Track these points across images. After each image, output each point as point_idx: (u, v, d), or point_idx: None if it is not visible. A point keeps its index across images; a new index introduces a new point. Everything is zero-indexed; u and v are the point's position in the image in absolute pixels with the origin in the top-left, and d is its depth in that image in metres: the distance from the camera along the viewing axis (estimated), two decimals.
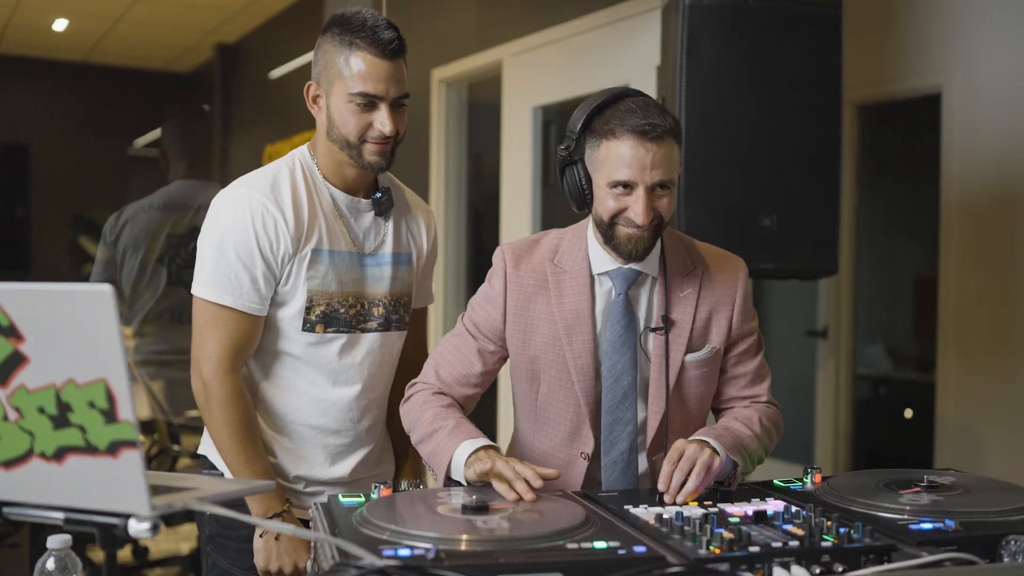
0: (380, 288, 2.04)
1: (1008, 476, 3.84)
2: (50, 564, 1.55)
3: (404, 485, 1.67)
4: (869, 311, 5.84)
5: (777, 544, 1.37)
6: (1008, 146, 4.07)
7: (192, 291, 1.93)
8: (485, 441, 1.74)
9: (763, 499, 1.67)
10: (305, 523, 1.94)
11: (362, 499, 1.60)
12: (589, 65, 3.79)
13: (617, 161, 1.73)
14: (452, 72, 4.66)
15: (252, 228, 1.89)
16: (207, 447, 2.02)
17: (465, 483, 1.72)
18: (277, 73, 6.46)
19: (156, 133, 7.36)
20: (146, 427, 4.31)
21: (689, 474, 1.65)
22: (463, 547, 1.32)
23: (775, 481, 1.82)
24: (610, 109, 1.77)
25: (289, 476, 2.00)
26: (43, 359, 1.16)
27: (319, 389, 1.98)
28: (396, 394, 2.14)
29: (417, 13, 5.03)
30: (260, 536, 1.91)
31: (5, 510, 1.24)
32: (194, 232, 3.26)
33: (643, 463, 1.88)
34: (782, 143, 2.65)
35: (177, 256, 3.41)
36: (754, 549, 1.35)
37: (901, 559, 1.37)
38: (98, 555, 2.72)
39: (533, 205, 4.15)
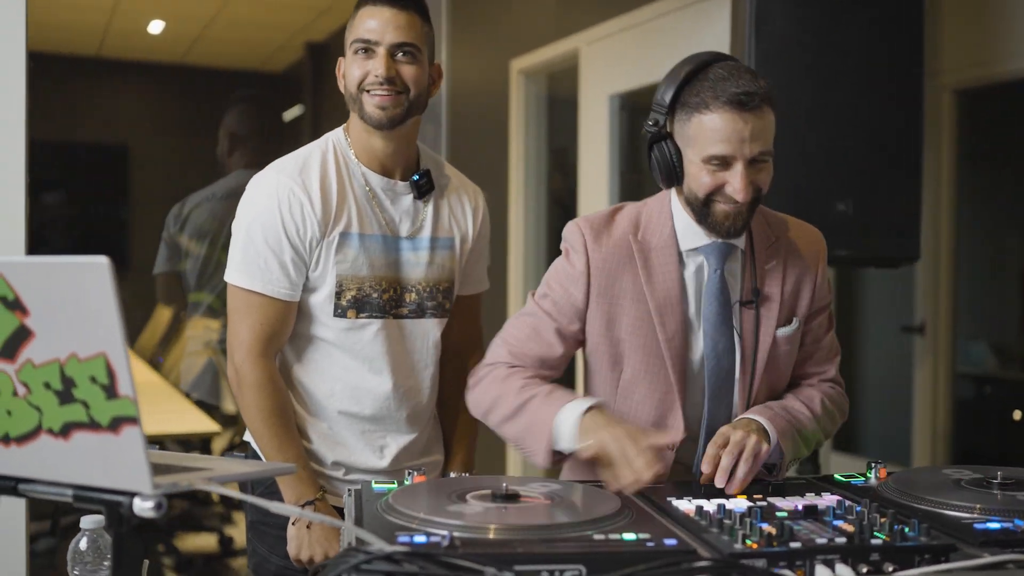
0: (416, 273, 1.99)
1: None
2: (83, 544, 1.55)
3: (452, 476, 1.62)
4: (973, 306, 5.58)
5: (822, 540, 1.27)
6: None
7: (224, 278, 1.92)
8: (592, 400, 1.66)
9: (819, 494, 1.56)
10: (341, 511, 1.91)
11: (395, 486, 1.56)
12: (664, 51, 3.68)
13: (712, 135, 1.62)
14: (530, 62, 4.60)
15: (279, 213, 1.87)
16: (249, 435, 2.00)
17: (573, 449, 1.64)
18: None
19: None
20: (228, 420, 4.38)
21: (738, 461, 1.56)
22: (482, 535, 1.26)
23: (836, 475, 1.71)
24: (699, 79, 1.65)
25: (326, 462, 1.97)
26: (47, 333, 1.14)
27: (353, 376, 1.95)
28: (446, 384, 2.09)
29: (495, 3, 4.99)
30: (292, 524, 1.89)
31: (20, 487, 1.23)
32: None
33: None
34: (858, 126, 2.53)
35: None
36: (795, 545, 1.26)
37: (960, 560, 1.26)
38: (191, 542, 2.74)
39: (611, 194, 4.06)
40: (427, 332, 2.02)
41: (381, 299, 1.94)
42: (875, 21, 2.52)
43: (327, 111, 7.92)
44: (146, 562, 1.60)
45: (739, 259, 1.78)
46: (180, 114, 8.15)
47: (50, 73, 7.88)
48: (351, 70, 1.89)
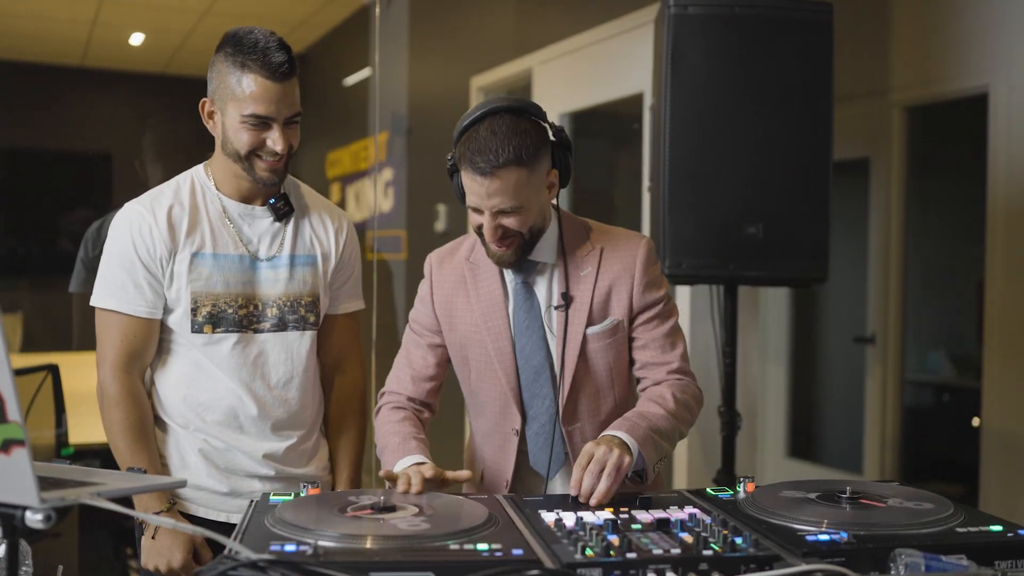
0: (275, 289, 2.12)
1: None
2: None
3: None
4: (930, 316, 5.71)
5: (658, 551, 1.41)
6: None
7: (90, 302, 2.07)
8: (419, 458, 1.89)
9: (682, 507, 1.70)
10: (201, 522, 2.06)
11: (291, 497, 1.69)
12: (607, 74, 3.82)
13: (466, 189, 1.90)
14: (489, 80, 4.74)
15: (130, 236, 2.04)
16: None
17: None
18: (350, 81, 6.63)
19: None
20: None
21: (600, 475, 1.71)
22: (348, 544, 1.39)
23: (708, 489, 1.85)
24: (469, 132, 1.87)
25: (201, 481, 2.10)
26: None
27: (218, 386, 2.08)
28: (329, 404, 2.26)
29: (455, 22, 5.13)
30: (146, 536, 2.04)
31: None
32: None
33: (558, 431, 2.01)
34: (769, 151, 2.66)
35: None
36: (631, 555, 1.39)
37: (781, 568, 1.39)
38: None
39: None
40: (291, 344, 2.14)
41: (237, 314, 2.08)
42: (786, 51, 2.64)
43: (302, 122, 8.07)
44: (60, 567, 1.74)
45: (547, 270, 2.01)
46: (163, 122, 8.28)
47: (35, 82, 8.01)
48: (240, 135, 1.99)
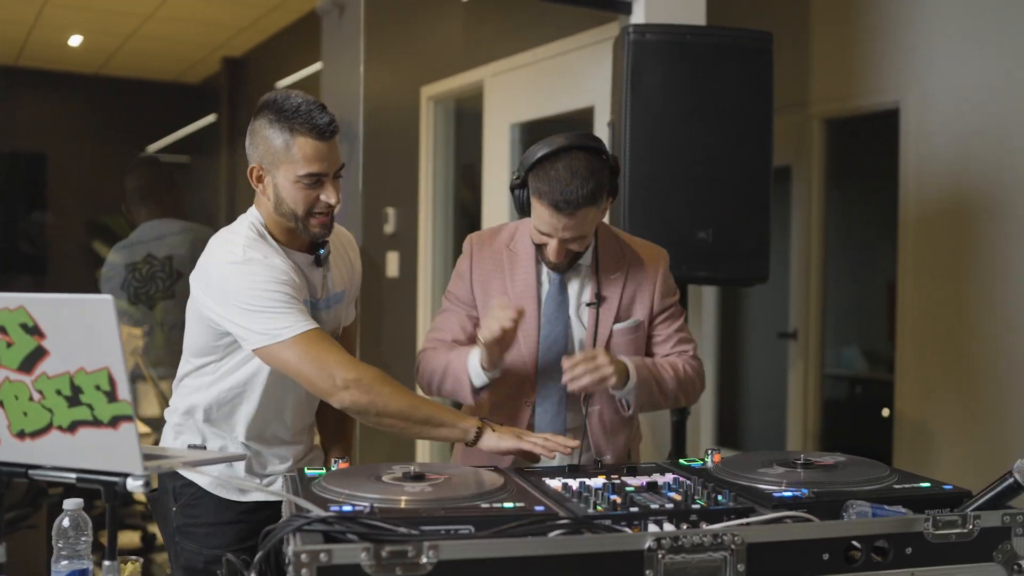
0: (328, 327, 2.29)
1: (959, 471, 4.13)
2: (66, 522, 1.87)
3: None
4: (846, 314, 6.12)
5: (655, 506, 1.68)
6: (959, 157, 4.36)
7: (274, 342, 2.08)
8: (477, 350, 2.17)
9: (663, 474, 1.98)
10: None
11: (323, 471, 1.92)
12: (559, 88, 4.10)
13: (538, 218, 2.18)
14: (439, 90, 4.98)
15: (277, 278, 2.10)
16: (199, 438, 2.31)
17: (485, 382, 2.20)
18: (282, 83, 6.78)
19: (167, 141, 7.71)
20: (146, 422, 4.65)
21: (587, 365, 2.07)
22: (394, 505, 1.63)
23: (681, 460, 2.13)
24: (546, 165, 2.12)
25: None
26: (60, 352, 1.47)
27: (277, 405, 2.28)
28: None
29: (405, 32, 5.35)
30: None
31: (31, 472, 1.56)
32: (149, 258, 3.82)
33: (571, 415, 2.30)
34: (718, 164, 2.96)
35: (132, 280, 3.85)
36: (634, 509, 1.66)
37: (755, 516, 1.68)
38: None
39: (511, 211, 4.45)
40: None
41: None
42: (731, 74, 2.96)
43: (242, 120, 8.17)
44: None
45: (581, 271, 2.31)
46: (98, 123, 8.28)
47: None
48: (295, 195, 2.11)
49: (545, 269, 2.32)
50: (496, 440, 2.12)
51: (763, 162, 2.99)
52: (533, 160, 2.15)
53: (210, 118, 7.74)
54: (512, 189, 2.26)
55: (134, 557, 1.92)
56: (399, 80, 5.36)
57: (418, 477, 1.80)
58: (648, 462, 2.15)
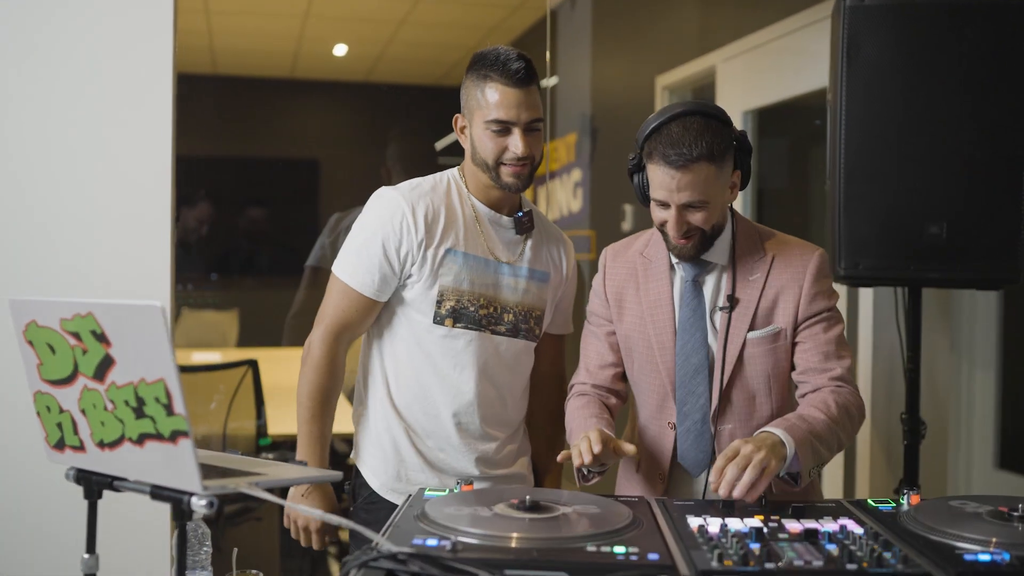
0: (513, 296, 2.21)
1: None
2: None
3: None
4: None
5: (799, 563, 1.37)
6: None
7: (332, 265, 2.20)
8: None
9: (836, 517, 1.64)
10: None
11: (445, 493, 1.75)
12: (792, 69, 3.71)
13: (654, 182, 1.93)
14: (675, 78, 4.69)
15: (380, 221, 2.14)
16: (358, 457, 2.26)
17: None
18: (548, 84, 6.74)
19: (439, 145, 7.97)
20: None
21: (744, 470, 1.68)
22: (486, 542, 1.43)
23: (869, 500, 1.78)
24: (659, 131, 1.92)
25: (416, 480, 2.19)
26: (124, 361, 1.40)
27: (441, 379, 2.17)
28: (532, 415, 2.34)
29: (638, 20, 5.11)
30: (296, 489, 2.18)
31: (115, 483, 1.50)
32: None
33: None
34: (954, 146, 2.50)
35: None
36: (769, 565, 1.36)
37: None
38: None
39: (744, 210, 4.10)
40: (518, 352, 2.24)
41: (478, 313, 2.17)
42: (971, 40, 2.48)
43: None
44: (235, 550, 1.87)
45: (717, 271, 2.02)
46: (366, 128, 8.66)
47: (250, 95, 8.57)
48: (485, 143, 2.10)
49: (680, 274, 2.05)
50: (294, 498, 2.17)
51: (1015, 140, 2.50)
52: (645, 132, 1.94)
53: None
54: (631, 175, 2.05)
55: (254, 572, 1.85)
56: (633, 70, 5.12)
57: (533, 507, 1.59)
58: (829, 500, 1.80)
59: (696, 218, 1.93)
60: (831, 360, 1.98)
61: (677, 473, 2.05)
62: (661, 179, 1.90)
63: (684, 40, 4.69)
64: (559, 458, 1.87)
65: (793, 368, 2.02)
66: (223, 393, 3.80)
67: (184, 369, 3.77)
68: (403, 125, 6.56)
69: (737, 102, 4.10)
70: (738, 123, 4.11)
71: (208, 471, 1.49)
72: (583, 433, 1.85)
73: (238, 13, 6.93)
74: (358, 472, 2.26)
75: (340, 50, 7.77)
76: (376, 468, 2.22)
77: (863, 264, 2.56)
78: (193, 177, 8.13)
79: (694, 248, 1.97)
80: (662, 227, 1.97)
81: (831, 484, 3.44)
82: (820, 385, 1.96)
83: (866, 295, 3.27)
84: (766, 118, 4.13)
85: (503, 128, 2.08)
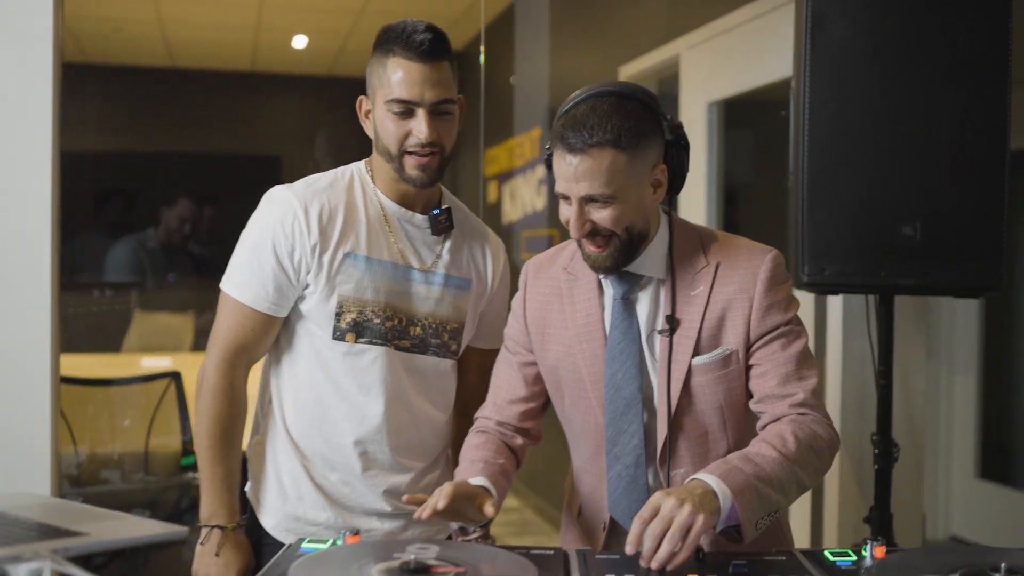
0: (424, 307, 1.93)
1: None
2: None
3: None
4: None
5: None
6: None
7: (221, 282, 1.93)
8: (476, 481, 1.65)
9: (787, 575, 1.38)
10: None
11: (326, 544, 1.48)
12: (763, 54, 3.44)
13: (556, 172, 1.64)
14: (639, 68, 4.43)
15: (271, 225, 1.86)
16: (252, 492, 2.00)
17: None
18: (515, 80, 6.48)
19: None
20: None
21: (663, 537, 1.39)
22: None
23: (827, 552, 1.51)
24: (567, 114, 1.63)
25: (318, 520, 1.92)
26: None
27: (344, 402, 1.90)
28: (464, 435, 1.98)
29: (601, 7, 4.85)
30: (201, 543, 1.88)
31: None
32: None
33: (654, 478, 1.72)
34: (928, 139, 2.25)
35: None
36: None
37: None
38: None
39: (709, 209, 3.85)
40: (427, 370, 1.95)
41: (384, 326, 1.89)
42: (950, 23, 2.22)
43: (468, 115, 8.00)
44: None
45: (653, 287, 1.72)
46: (328, 123, 8.39)
47: (208, 89, 8.27)
48: (387, 127, 1.82)
49: (609, 292, 1.74)
50: (203, 559, 1.86)
51: (995, 133, 2.23)
52: (559, 116, 1.66)
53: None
54: (547, 167, 1.71)
55: None
56: (595, 61, 4.86)
57: (418, 570, 1.31)
58: (781, 551, 1.53)
59: (602, 216, 1.61)
60: (791, 383, 1.66)
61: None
62: (560, 167, 1.60)
63: (649, 27, 4.43)
64: (403, 498, 1.62)
65: (750, 396, 1.71)
66: (144, 408, 3.52)
67: (100, 382, 3.49)
68: (329, 115, 6.23)
69: (702, 93, 3.84)
70: (702, 115, 3.85)
71: (18, 532, 1.23)
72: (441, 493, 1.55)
73: (188, 1, 6.62)
74: (252, 510, 1.98)
75: (300, 42, 7.46)
76: (270, 506, 1.95)
77: (829, 269, 2.30)
78: (153, 174, 7.86)
79: (611, 257, 1.65)
80: (568, 227, 1.66)
81: (795, 511, 3.18)
82: (780, 414, 1.65)
83: (835, 300, 3.01)
84: (733, 109, 3.87)
85: (406, 109, 1.80)
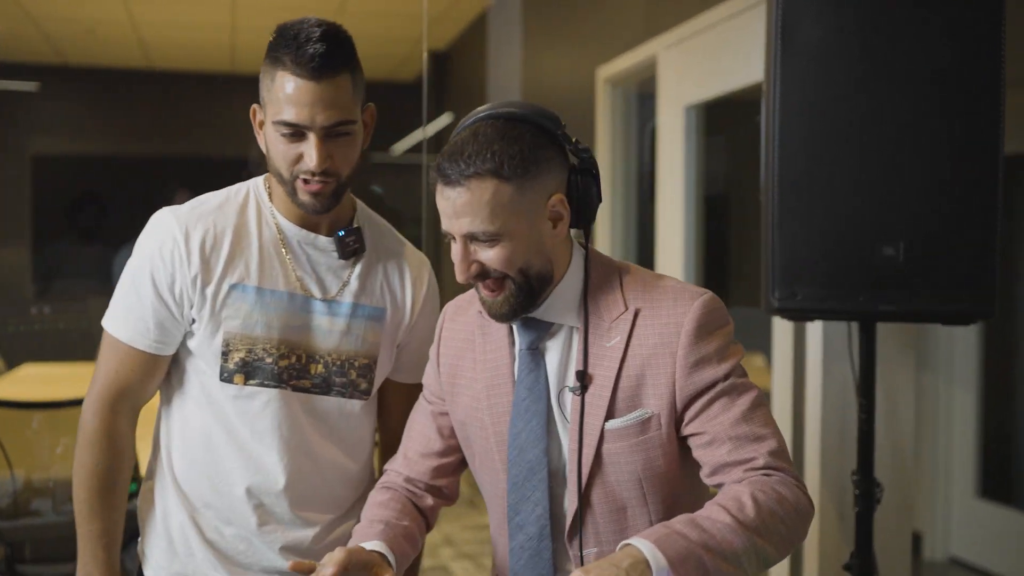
0: (326, 342, 1.71)
1: None
2: None
3: None
4: None
5: None
6: None
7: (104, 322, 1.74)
8: (372, 546, 1.48)
9: None
10: None
11: None
12: (745, 54, 3.23)
13: (439, 206, 1.45)
14: (617, 69, 4.21)
15: (150, 257, 1.67)
16: (140, 546, 1.80)
17: None
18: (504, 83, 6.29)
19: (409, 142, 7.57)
20: None
21: None
22: None
23: None
24: (450, 142, 1.45)
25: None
26: None
27: (237, 451, 1.70)
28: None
29: (578, 5, 4.64)
30: None
31: None
32: None
33: (563, 552, 1.52)
34: (913, 150, 2.04)
35: None
36: None
37: None
38: None
39: (687, 220, 3.63)
40: (331, 413, 1.73)
41: (277, 365, 1.68)
42: (932, 20, 2.02)
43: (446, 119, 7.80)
44: None
45: (565, 335, 1.51)
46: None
47: (182, 91, 8.07)
48: (277, 148, 1.61)
49: (517, 342, 1.54)
50: None
51: (986, 145, 2.02)
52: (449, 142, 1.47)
53: (445, 118, 7.39)
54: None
55: None
56: (572, 61, 4.65)
57: None
58: None
59: (489, 257, 1.42)
60: (745, 447, 1.41)
61: None
62: (439, 202, 1.43)
63: (627, 26, 4.21)
64: (288, 565, 1.44)
65: (699, 468, 1.47)
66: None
67: (32, 405, 3.29)
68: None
69: (679, 96, 3.63)
70: (680, 119, 3.63)
71: None
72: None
73: (159, 1, 6.42)
74: (140, 567, 1.78)
75: None
76: (159, 563, 1.74)
77: (802, 293, 2.08)
78: (128, 178, 7.66)
79: (506, 303, 1.45)
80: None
81: None
82: (739, 480, 1.41)
83: (815, 327, 2.79)
84: (713, 113, 3.66)
85: (295, 131, 1.58)
